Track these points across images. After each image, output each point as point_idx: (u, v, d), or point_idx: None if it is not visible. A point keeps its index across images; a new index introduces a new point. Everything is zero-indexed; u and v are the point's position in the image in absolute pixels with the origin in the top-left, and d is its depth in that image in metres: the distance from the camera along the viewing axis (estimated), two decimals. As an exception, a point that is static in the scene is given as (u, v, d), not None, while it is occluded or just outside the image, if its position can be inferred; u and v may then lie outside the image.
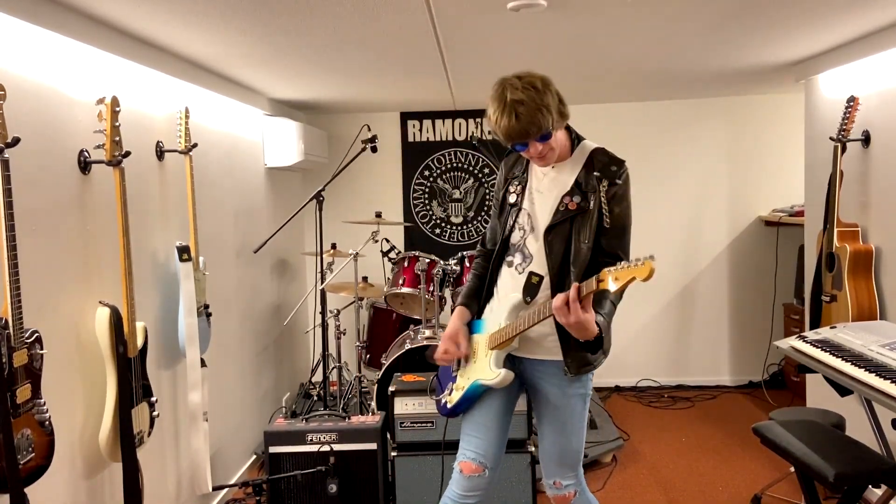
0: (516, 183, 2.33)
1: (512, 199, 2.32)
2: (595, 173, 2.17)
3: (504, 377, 2.20)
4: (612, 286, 1.90)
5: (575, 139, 2.26)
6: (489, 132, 2.48)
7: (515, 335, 2.18)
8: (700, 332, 5.46)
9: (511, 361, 2.29)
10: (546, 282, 2.21)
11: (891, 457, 2.69)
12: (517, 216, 2.30)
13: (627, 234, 2.24)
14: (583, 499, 2.35)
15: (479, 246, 2.54)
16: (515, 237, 2.30)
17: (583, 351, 2.18)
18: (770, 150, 5.27)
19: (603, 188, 2.16)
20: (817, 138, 3.76)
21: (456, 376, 2.38)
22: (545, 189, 2.26)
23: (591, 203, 2.16)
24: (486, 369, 2.24)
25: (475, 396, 2.31)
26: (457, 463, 2.33)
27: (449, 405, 2.36)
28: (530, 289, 2.22)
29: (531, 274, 2.23)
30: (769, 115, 5.25)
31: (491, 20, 2.67)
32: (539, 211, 2.26)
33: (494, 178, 4.87)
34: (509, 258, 2.32)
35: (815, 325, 3.34)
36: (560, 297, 1.99)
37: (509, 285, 2.30)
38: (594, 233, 2.18)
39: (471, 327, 2.38)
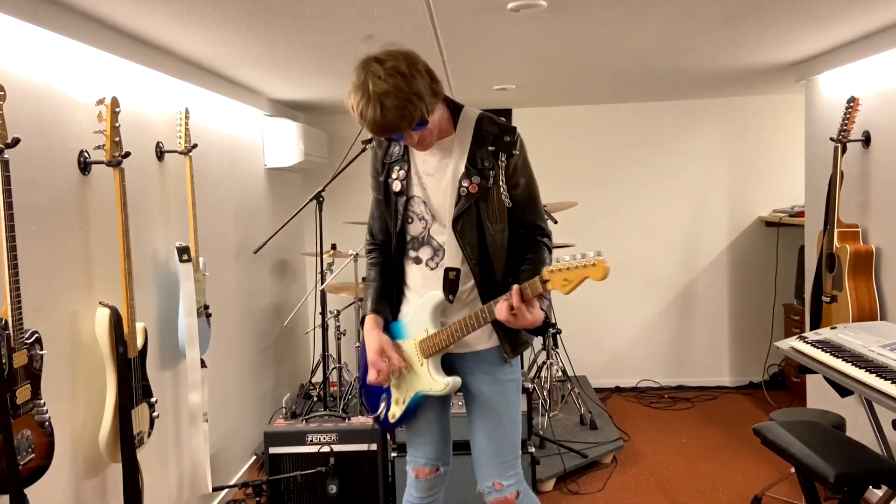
0: (397, 168, 2.09)
1: (396, 186, 2.08)
2: (489, 148, 2.01)
3: (453, 385, 2.09)
4: (560, 288, 1.81)
5: (454, 110, 2.06)
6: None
7: (451, 342, 2.06)
8: (700, 332, 5.45)
9: (447, 361, 2.16)
10: (468, 275, 2.07)
11: (891, 457, 2.68)
12: (409, 205, 2.09)
13: (539, 203, 2.13)
14: (527, 499, 2.18)
15: (367, 236, 2.29)
16: (415, 229, 2.11)
17: (517, 333, 2.08)
18: (770, 151, 5.27)
19: (502, 164, 2.01)
20: (817, 139, 3.76)
21: (389, 388, 2.22)
22: (434, 170, 2.06)
23: (491, 181, 2.00)
24: (427, 379, 2.11)
25: (417, 406, 2.19)
26: (410, 468, 2.28)
27: (392, 420, 2.21)
28: (450, 286, 2.05)
29: (447, 270, 2.05)
30: (769, 116, 5.25)
31: (491, 20, 2.67)
32: (434, 197, 2.06)
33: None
34: (414, 253, 2.13)
35: (815, 325, 3.34)
36: (503, 306, 1.89)
37: (421, 283, 2.13)
38: (504, 213, 2.05)
39: (388, 332, 2.18)
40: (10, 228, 1.80)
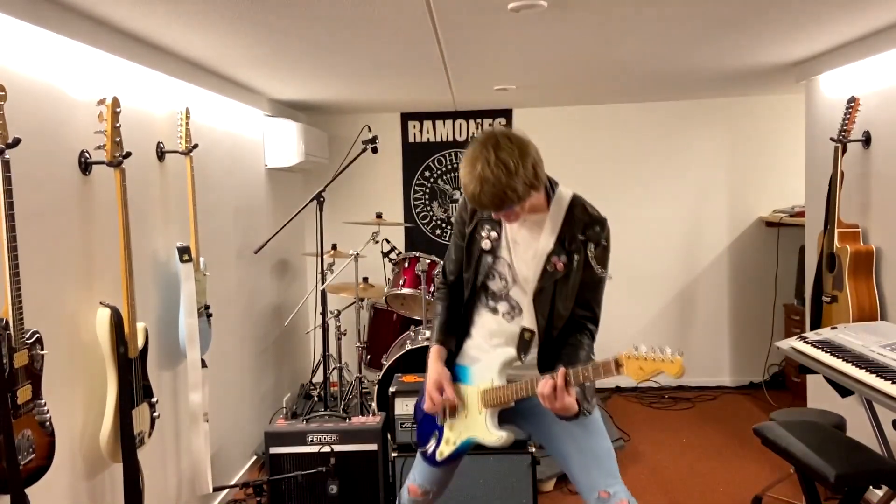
0: (488, 227, 2.22)
1: (486, 245, 2.22)
2: (580, 237, 2.15)
3: (507, 439, 2.14)
4: (633, 374, 1.97)
5: (549, 188, 2.17)
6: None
7: (512, 400, 2.13)
8: (701, 332, 5.45)
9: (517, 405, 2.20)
10: (535, 340, 2.18)
11: (891, 457, 2.68)
12: (494, 263, 2.21)
13: (602, 290, 2.25)
14: None
15: (439, 275, 2.39)
16: (496, 285, 2.23)
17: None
18: (770, 151, 5.27)
19: (590, 252, 2.17)
20: (818, 139, 3.76)
21: (443, 426, 2.28)
22: (522, 240, 2.19)
23: (574, 264, 2.14)
24: (482, 428, 2.17)
25: (464, 451, 2.26)
26: (407, 482, 2.39)
27: (438, 458, 2.27)
28: (524, 346, 2.18)
29: (524, 330, 2.18)
30: (769, 116, 5.24)
31: (491, 20, 2.67)
32: (519, 263, 2.18)
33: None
34: (492, 304, 2.24)
35: (815, 325, 3.34)
36: (548, 385, 1.97)
37: (492, 331, 2.23)
38: (574, 295, 2.17)
39: (453, 371, 2.27)
40: (11, 228, 1.80)
